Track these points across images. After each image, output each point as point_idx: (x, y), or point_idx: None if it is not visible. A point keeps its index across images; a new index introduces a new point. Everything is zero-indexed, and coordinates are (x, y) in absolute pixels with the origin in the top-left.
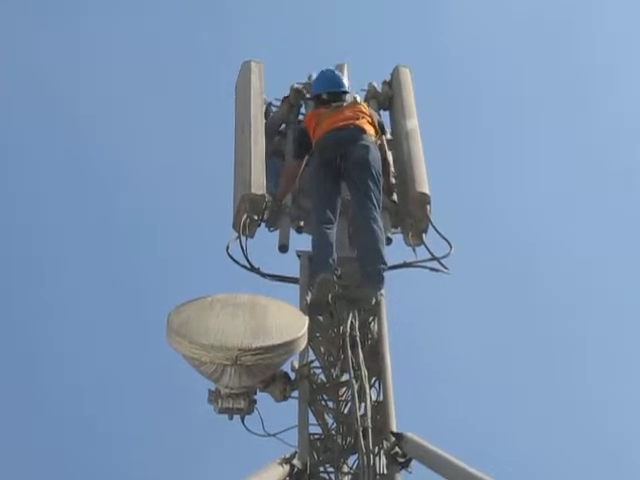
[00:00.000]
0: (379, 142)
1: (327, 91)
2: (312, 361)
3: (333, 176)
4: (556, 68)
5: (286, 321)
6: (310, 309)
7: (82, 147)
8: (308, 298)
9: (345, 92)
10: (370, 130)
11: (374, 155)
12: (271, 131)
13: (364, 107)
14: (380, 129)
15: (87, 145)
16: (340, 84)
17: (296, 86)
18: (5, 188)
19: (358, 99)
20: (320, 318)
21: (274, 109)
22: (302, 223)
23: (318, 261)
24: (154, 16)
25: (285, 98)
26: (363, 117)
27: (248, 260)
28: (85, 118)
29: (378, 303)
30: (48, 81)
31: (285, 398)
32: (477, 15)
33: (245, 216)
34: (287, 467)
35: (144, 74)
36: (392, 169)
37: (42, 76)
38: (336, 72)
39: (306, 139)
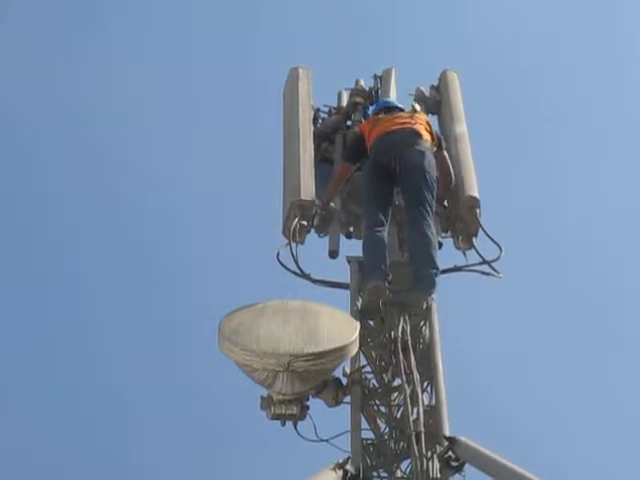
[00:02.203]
0: (436, 151)
1: (385, 107)
2: (364, 366)
3: (387, 179)
4: (607, 66)
5: (337, 327)
6: (361, 314)
7: (127, 159)
8: (359, 303)
9: (401, 109)
10: (426, 136)
11: (429, 161)
12: (320, 138)
13: (423, 115)
14: (438, 141)
15: (133, 154)
16: (395, 104)
17: (353, 98)
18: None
19: (417, 108)
20: (371, 323)
21: (322, 115)
22: (352, 228)
23: (369, 266)
24: (196, 22)
25: (340, 108)
26: (421, 123)
27: (298, 266)
28: (130, 124)
29: (429, 307)
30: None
31: (337, 403)
32: (524, 17)
33: (295, 222)
34: (340, 472)
35: (190, 80)
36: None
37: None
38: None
39: (361, 144)
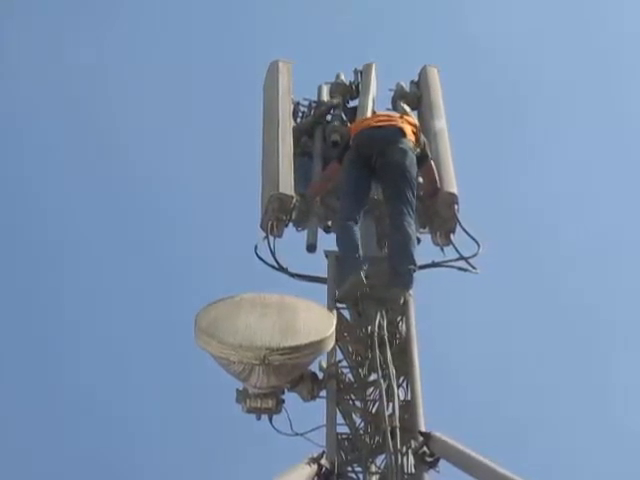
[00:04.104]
0: (423, 161)
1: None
2: (340, 361)
3: (366, 173)
4: (587, 63)
5: (314, 321)
6: (338, 308)
7: (113, 147)
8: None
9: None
10: (411, 136)
11: (411, 160)
12: (299, 132)
13: (412, 119)
14: (423, 147)
15: (117, 146)
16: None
17: (333, 99)
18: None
19: (407, 109)
20: (348, 317)
21: (302, 109)
22: (330, 223)
23: (347, 259)
24: (180, 16)
25: (320, 103)
26: (408, 124)
27: (276, 260)
28: (115, 117)
29: (406, 302)
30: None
31: (313, 398)
32: (508, 12)
33: (273, 216)
34: (315, 467)
35: (170, 73)
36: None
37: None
38: None
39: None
